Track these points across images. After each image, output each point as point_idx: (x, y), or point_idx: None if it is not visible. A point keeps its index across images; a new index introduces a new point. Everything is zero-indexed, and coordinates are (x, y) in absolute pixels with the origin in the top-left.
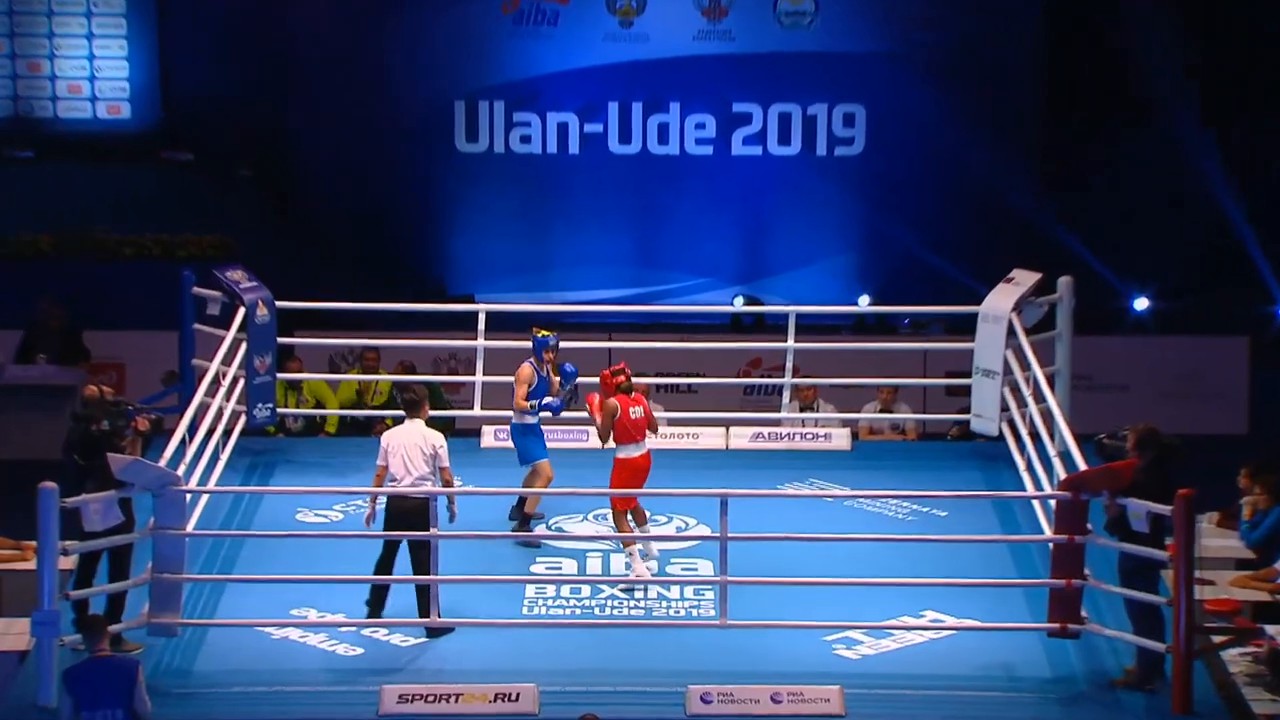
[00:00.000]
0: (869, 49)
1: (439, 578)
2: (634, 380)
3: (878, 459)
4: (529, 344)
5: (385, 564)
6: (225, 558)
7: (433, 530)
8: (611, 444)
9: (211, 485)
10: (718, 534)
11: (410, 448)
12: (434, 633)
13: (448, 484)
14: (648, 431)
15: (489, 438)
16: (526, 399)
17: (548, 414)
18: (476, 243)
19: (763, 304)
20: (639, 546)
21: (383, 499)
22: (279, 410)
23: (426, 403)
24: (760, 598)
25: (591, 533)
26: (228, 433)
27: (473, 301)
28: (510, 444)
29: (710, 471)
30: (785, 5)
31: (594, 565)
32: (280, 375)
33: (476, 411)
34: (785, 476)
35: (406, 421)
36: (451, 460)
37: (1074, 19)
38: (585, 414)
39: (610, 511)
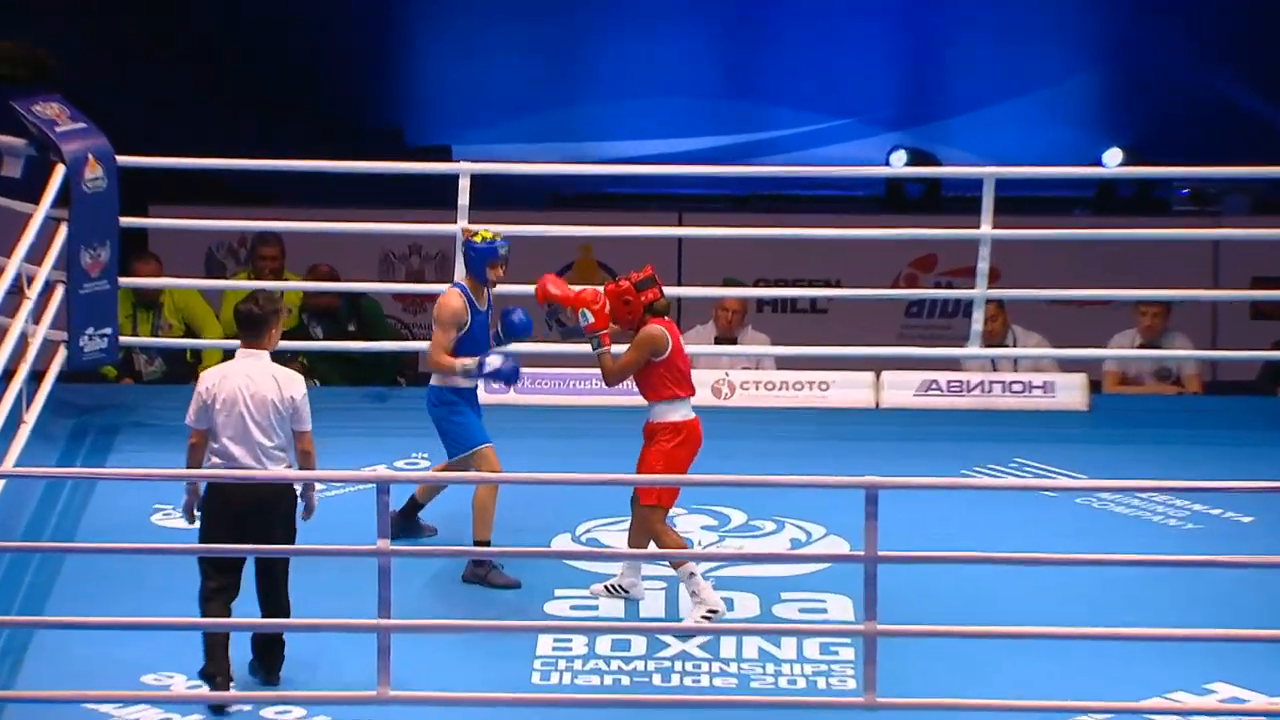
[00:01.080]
0: None
1: (393, 623)
2: (722, 292)
3: (1133, 426)
4: (530, 236)
5: (225, 595)
6: (34, 587)
7: (387, 542)
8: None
9: (9, 464)
10: (861, 552)
11: (254, 399)
12: (269, 671)
13: (306, 454)
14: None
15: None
16: (455, 355)
17: (496, 385)
18: (453, 64)
19: (938, 163)
20: (628, 577)
21: (205, 484)
22: (122, 339)
23: (278, 322)
24: (932, 658)
25: (648, 548)
26: (37, 376)
27: (449, 159)
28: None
29: (849, 446)
30: None
31: (652, 603)
32: (125, 281)
33: None
34: (975, 455)
35: (241, 354)
36: (414, 422)
37: None
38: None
39: (641, 513)
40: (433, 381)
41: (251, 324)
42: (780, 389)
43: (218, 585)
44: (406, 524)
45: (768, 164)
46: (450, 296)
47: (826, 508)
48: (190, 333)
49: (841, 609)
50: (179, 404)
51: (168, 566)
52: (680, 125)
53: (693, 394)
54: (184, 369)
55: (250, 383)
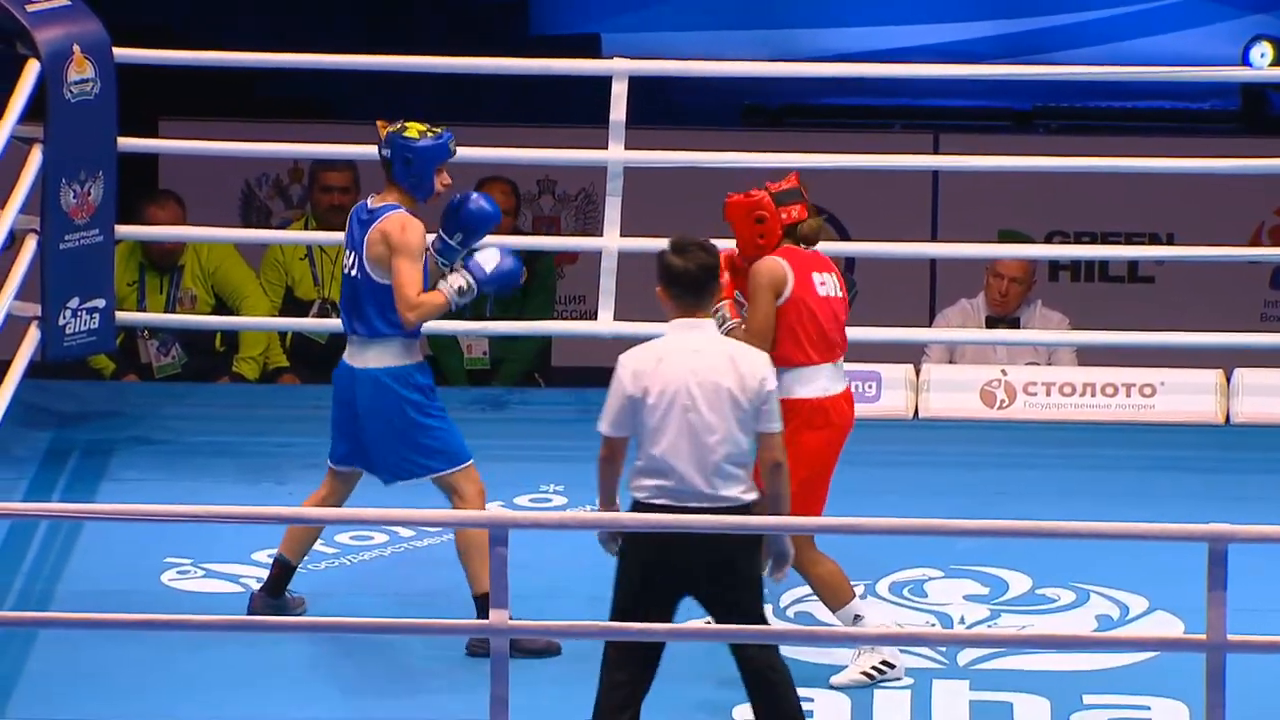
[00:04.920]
0: None
1: None
2: (998, 251)
3: None
4: (710, 169)
5: (635, 661)
6: None
7: (506, 614)
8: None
9: None
10: (1203, 636)
11: (704, 389)
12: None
13: (778, 467)
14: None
15: None
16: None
17: (489, 290)
18: None
19: None
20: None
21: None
22: (122, 317)
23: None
24: None
25: (905, 626)
26: (1, 367)
27: (596, 54)
28: None
29: (1185, 481)
30: None
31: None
32: (126, 232)
33: (605, 325)
34: None
35: (676, 328)
36: (546, 439)
37: None
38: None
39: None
40: (387, 362)
41: (689, 283)
42: (1083, 394)
43: (620, 679)
44: (276, 604)
45: (1063, 63)
46: (406, 218)
47: (1151, 571)
48: (223, 307)
49: None
50: (205, 412)
51: (195, 654)
52: (934, 6)
53: (835, 358)
54: (213, 361)
55: (700, 366)
